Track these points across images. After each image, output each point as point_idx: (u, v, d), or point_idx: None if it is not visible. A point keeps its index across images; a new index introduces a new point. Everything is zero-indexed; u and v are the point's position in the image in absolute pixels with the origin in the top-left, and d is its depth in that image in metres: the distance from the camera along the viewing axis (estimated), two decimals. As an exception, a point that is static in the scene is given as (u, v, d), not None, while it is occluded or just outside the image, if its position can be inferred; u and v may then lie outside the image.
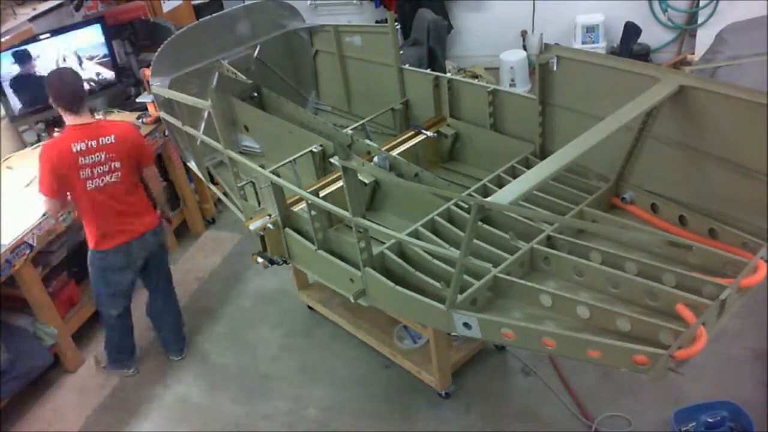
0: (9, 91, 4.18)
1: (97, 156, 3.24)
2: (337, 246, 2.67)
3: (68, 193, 3.29)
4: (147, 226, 3.50)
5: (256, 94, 3.62)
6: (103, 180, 3.28)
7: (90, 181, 3.26)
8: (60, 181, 3.21)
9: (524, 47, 6.44)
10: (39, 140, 4.41)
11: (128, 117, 4.52)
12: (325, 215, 2.67)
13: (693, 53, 5.84)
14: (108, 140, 3.27)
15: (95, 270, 3.50)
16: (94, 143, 3.23)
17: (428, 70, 3.48)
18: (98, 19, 4.58)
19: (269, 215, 2.86)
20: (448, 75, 3.55)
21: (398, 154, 3.07)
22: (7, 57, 4.13)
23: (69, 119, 3.24)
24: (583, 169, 2.69)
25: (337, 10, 6.90)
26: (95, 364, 3.93)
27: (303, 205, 2.78)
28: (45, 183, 3.22)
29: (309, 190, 2.66)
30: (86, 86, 3.91)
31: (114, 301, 3.59)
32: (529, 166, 2.82)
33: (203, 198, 5.09)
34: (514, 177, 2.67)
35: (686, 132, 2.31)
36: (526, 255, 2.32)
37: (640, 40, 5.93)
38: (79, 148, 3.19)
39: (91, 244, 3.43)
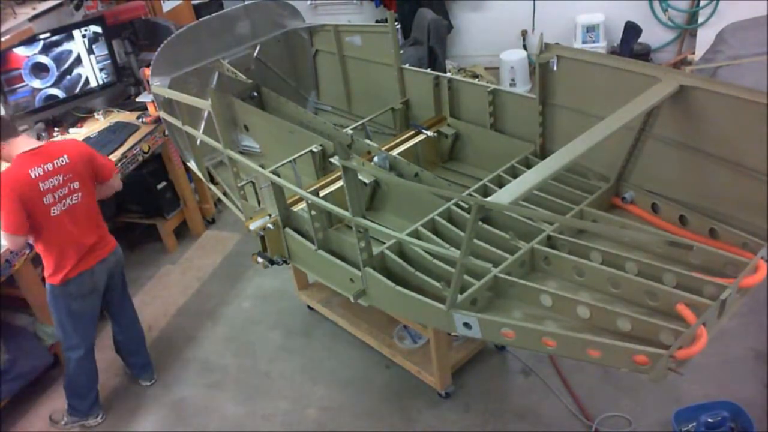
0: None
1: (56, 179, 3.04)
2: (337, 246, 2.66)
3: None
4: (111, 248, 3.33)
5: (256, 94, 3.62)
6: (65, 203, 3.08)
7: (54, 207, 3.05)
8: (27, 211, 2.97)
9: (524, 47, 6.43)
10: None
11: (128, 117, 4.52)
12: (325, 215, 2.67)
13: (693, 53, 5.83)
14: (62, 161, 3.07)
15: (59, 304, 3.24)
16: (50, 166, 3.03)
17: (428, 70, 3.48)
18: (98, 19, 4.58)
19: (269, 215, 2.86)
20: (449, 75, 3.55)
21: (398, 154, 3.07)
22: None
23: (14, 148, 3.03)
24: (584, 168, 2.69)
25: (337, 10, 6.89)
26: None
27: (303, 205, 2.78)
28: (11, 220, 2.95)
29: (309, 190, 2.66)
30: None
31: (81, 336, 3.33)
32: (529, 166, 2.82)
33: (203, 198, 5.08)
34: (515, 177, 2.67)
35: (686, 132, 2.31)
36: (526, 255, 2.32)
37: (640, 40, 5.92)
38: (37, 174, 2.99)
39: (54, 277, 3.17)
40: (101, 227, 3.32)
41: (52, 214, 3.06)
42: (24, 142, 3.08)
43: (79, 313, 3.30)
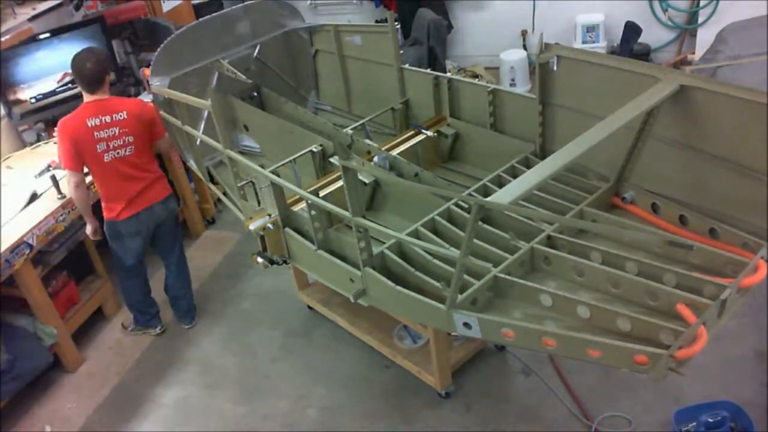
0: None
1: (111, 131, 3.47)
2: (337, 246, 2.66)
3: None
4: (156, 198, 3.72)
5: (256, 94, 3.62)
6: (118, 153, 3.52)
7: (106, 154, 3.49)
8: (80, 154, 3.43)
9: (524, 47, 6.43)
10: (39, 140, 4.40)
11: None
12: (325, 215, 2.67)
13: (693, 53, 5.83)
14: (121, 116, 3.49)
15: (112, 235, 3.75)
16: (108, 118, 3.46)
17: (428, 70, 3.48)
18: (98, 19, 4.58)
19: (269, 215, 2.86)
20: (448, 75, 3.55)
21: (398, 153, 3.07)
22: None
23: (86, 96, 3.48)
24: (584, 168, 2.69)
25: (337, 10, 6.89)
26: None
27: (303, 205, 2.78)
28: (68, 157, 3.44)
29: (309, 190, 2.66)
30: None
31: (130, 262, 3.83)
32: (529, 166, 2.82)
33: (203, 198, 5.08)
34: (514, 177, 2.67)
35: (686, 132, 2.31)
36: (526, 255, 2.32)
37: (640, 40, 5.92)
38: (93, 123, 3.43)
39: (105, 214, 3.68)
40: (154, 178, 3.72)
41: (105, 160, 3.50)
42: (94, 95, 3.48)
43: (127, 247, 3.77)
